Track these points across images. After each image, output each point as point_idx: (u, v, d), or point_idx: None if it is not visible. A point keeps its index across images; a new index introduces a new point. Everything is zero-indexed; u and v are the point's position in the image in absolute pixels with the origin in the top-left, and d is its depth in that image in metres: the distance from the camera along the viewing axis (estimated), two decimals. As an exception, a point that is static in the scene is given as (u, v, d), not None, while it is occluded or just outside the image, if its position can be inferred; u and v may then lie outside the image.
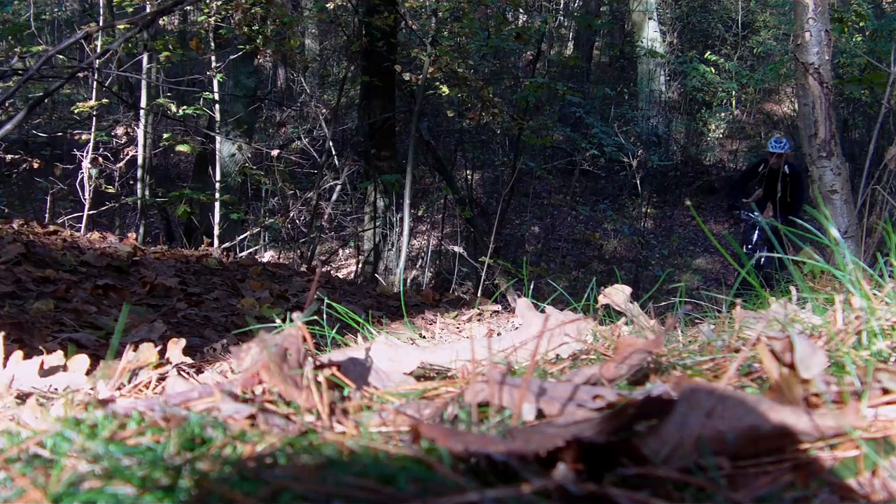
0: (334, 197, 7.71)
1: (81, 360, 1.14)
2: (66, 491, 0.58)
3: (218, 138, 7.09)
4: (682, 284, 1.49)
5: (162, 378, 1.10)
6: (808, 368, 0.70)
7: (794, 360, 0.71)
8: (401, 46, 8.06)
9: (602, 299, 1.36)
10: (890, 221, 1.11)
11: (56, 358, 1.15)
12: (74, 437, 0.67)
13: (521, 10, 10.68)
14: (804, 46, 2.70)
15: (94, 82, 6.37)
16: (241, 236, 7.17)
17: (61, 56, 5.26)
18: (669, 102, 13.83)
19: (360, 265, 8.06)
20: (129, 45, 5.88)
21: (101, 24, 6.28)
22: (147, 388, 1.08)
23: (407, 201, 6.83)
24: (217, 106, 7.06)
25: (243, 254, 6.65)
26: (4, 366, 1.11)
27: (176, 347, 1.23)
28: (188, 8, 8.40)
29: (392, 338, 1.12)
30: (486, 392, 0.77)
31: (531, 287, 1.85)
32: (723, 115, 14.35)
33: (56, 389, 1.07)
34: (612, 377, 0.89)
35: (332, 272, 8.07)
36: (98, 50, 5.39)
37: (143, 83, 6.79)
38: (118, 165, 6.69)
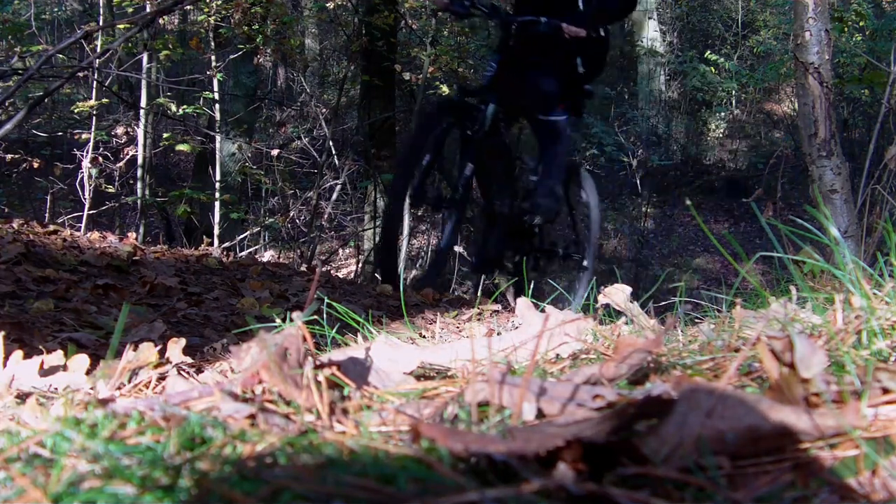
0: (334, 197, 7.71)
1: (81, 360, 1.14)
2: (66, 490, 0.58)
3: (218, 138, 7.09)
4: (682, 284, 1.49)
5: (162, 378, 1.10)
6: (808, 368, 0.70)
7: (794, 360, 0.71)
8: (401, 46, 8.06)
9: (602, 299, 1.36)
10: (890, 221, 1.11)
11: (56, 357, 1.15)
12: (74, 437, 0.67)
13: (521, 10, 10.67)
14: (804, 46, 2.70)
15: (94, 82, 6.37)
16: (241, 236, 7.17)
17: (61, 56, 5.26)
18: (669, 102, 13.83)
19: (360, 265, 8.06)
20: (129, 44, 5.88)
21: (100, 23, 6.28)
22: (147, 387, 1.08)
23: (407, 201, 6.83)
24: (217, 105, 7.06)
25: (243, 253, 6.65)
26: (4, 365, 1.11)
27: (176, 347, 1.23)
28: (188, 7, 8.41)
29: (392, 337, 1.12)
30: (486, 391, 0.77)
31: (531, 286, 1.85)
32: (723, 114, 14.34)
33: (56, 389, 1.07)
34: (612, 377, 0.89)
35: (331, 272, 8.07)
36: (98, 49, 5.39)
37: (143, 83, 6.79)
38: (118, 165, 6.69)
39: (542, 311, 1.30)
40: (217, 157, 7.11)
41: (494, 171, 3.28)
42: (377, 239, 3.04)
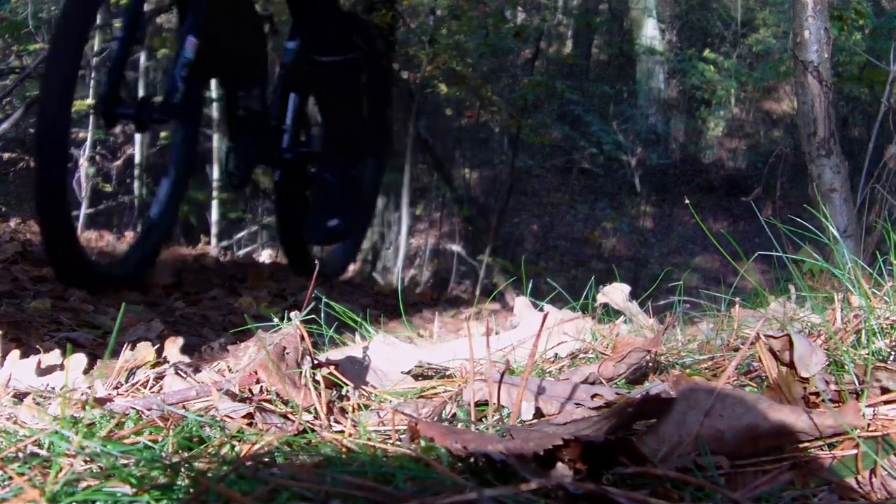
0: (333, 195, 7.69)
1: (79, 359, 1.14)
2: (64, 490, 0.58)
3: (215, 136, 7.08)
4: (680, 283, 1.49)
5: (159, 377, 1.10)
6: (807, 367, 0.70)
7: (793, 359, 0.71)
8: (399, 45, 8.04)
9: (601, 298, 1.36)
10: (889, 220, 1.11)
11: (53, 357, 1.14)
12: (72, 436, 0.67)
13: (519, 8, 10.68)
14: (803, 44, 2.69)
15: (91, 80, 6.36)
16: (239, 235, 7.17)
17: (59, 54, 5.24)
18: (668, 100, 13.83)
19: (357, 264, 8.06)
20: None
21: (97, 21, 6.27)
22: (144, 387, 1.07)
23: (405, 200, 6.83)
24: (214, 104, 7.05)
25: (241, 252, 6.65)
26: (1, 364, 1.11)
27: (173, 346, 1.22)
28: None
29: (390, 337, 1.12)
30: (484, 391, 0.77)
31: (530, 285, 1.84)
32: (722, 113, 14.34)
33: (53, 388, 1.06)
34: (610, 376, 0.89)
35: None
36: (95, 48, 5.38)
37: (141, 81, 6.78)
38: (115, 164, 6.69)
39: (541, 309, 1.30)
40: (215, 155, 7.11)
41: (231, 46, 2.12)
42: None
